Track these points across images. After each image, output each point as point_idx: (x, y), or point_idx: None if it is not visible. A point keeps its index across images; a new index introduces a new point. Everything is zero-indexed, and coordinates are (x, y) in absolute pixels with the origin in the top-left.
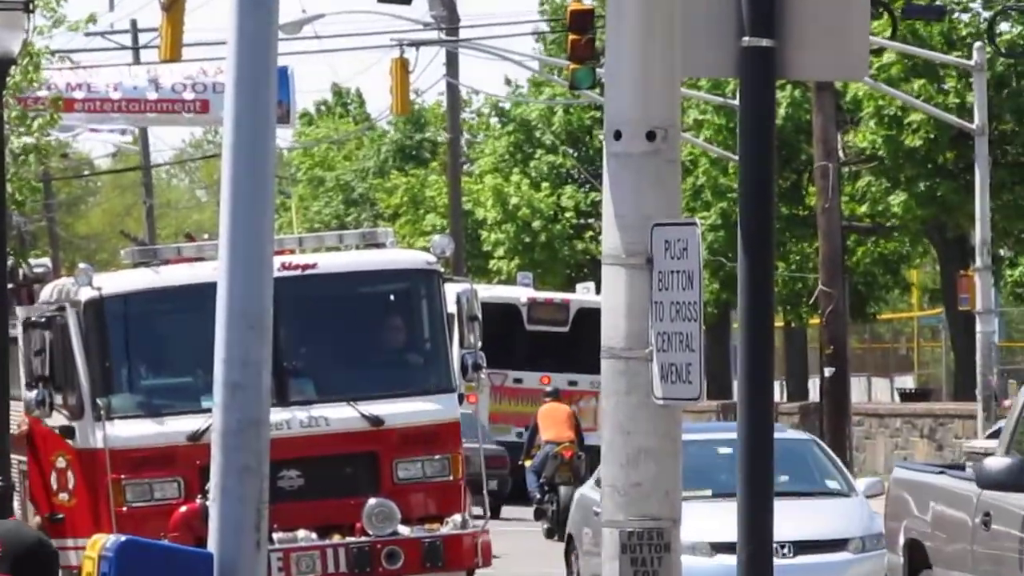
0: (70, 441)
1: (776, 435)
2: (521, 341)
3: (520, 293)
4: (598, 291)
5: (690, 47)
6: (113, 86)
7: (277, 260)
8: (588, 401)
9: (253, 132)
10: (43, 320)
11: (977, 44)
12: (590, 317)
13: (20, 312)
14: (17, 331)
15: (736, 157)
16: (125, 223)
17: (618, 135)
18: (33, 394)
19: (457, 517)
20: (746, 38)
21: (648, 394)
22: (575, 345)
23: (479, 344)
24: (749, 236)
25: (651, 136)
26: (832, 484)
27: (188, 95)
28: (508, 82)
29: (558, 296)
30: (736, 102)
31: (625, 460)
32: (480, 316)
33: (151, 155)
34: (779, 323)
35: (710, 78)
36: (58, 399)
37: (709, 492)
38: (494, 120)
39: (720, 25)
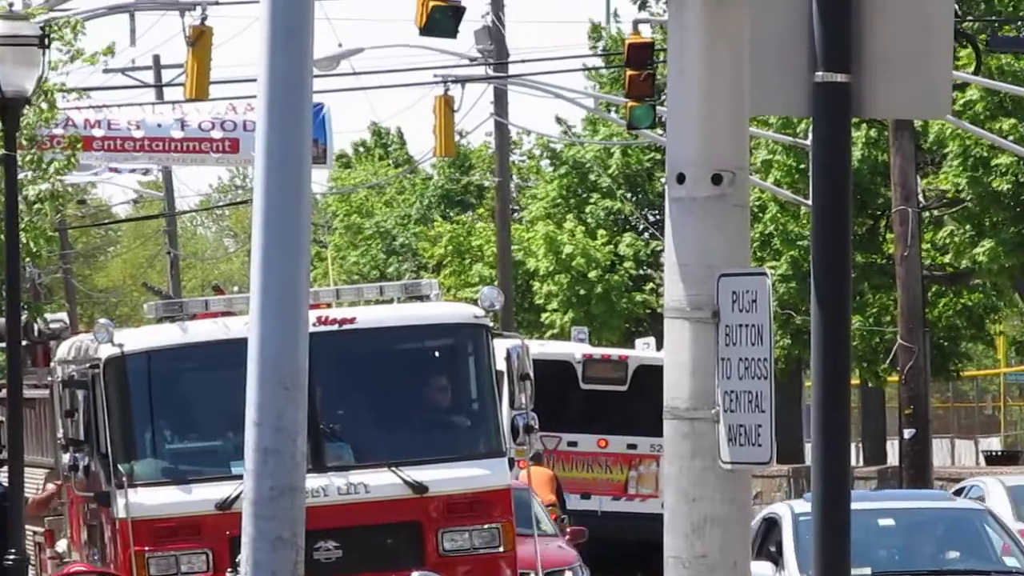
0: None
1: (941, 504)
2: (576, 401)
3: (575, 349)
4: (659, 347)
5: (759, 83)
6: (135, 124)
7: (312, 314)
8: (648, 466)
9: (286, 174)
10: (74, 378)
11: None
12: (650, 375)
13: (57, 368)
14: (34, 391)
15: (808, 202)
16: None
17: (681, 178)
18: (65, 458)
19: None
20: (819, 73)
21: (714, 458)
22: (634, 405)
23: (531, 404)
24: (823, 287)
25: (717, 179)
26: (1012, 563)
27: (216, 134)
28: (560, 121)
29: (616, 352)
30: (807, 142)
31: (690, 529)
32: (532, 374)
33: (175, 201)
34: (855, 381)
35: (780, 116)
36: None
37: (868, 571)
38: (545, 163)
39: (791, 58)
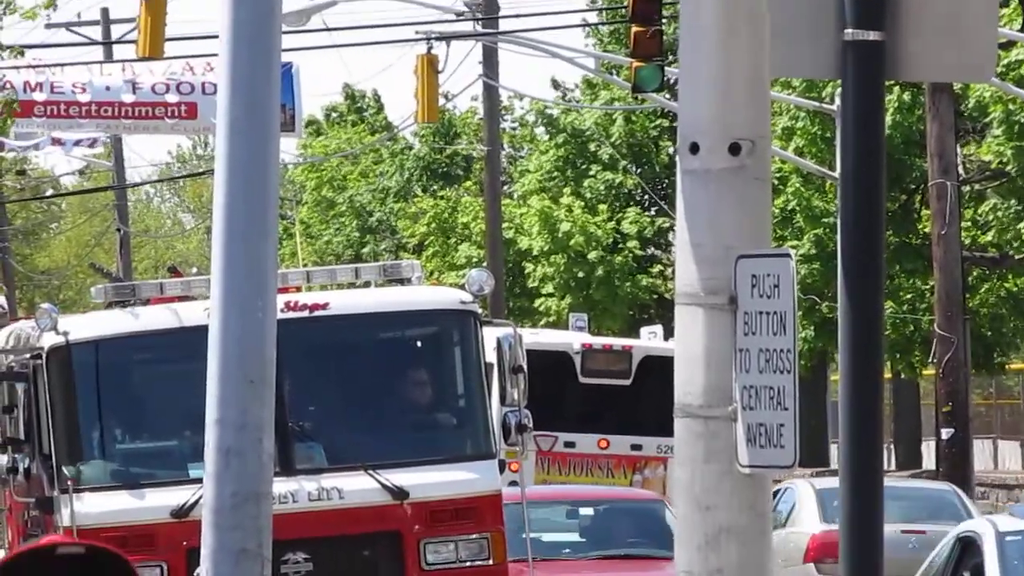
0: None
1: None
2: (574, 397)
3: (573, 339)
4: (667, 336)
5: (782, 41)
6: (81, 87)
7: (280, 299)
8: (655, 469)
9: (252, 143)
10: (13, 370)
11: None
12: (657, 368)
13: None
14: None
15: (834, 174)
16: (95, 255)
17: (695, 148)
18: (3, 460)
19: None
20: (849, 30)
21: (731, 461)
22: (639, 402)
23: (524, 400)
24: (853, 270)
25: (735, 149)
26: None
27: (172, 97)
28: (556, 85)
29: (618, 342)
30: (834, 107)
31: (704, 541)
32: (525, 366)
33: (126, 172)
34: (887, 374)
35: (804, 79)
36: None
37: None
38: (540, 130)
39: (818, 15)
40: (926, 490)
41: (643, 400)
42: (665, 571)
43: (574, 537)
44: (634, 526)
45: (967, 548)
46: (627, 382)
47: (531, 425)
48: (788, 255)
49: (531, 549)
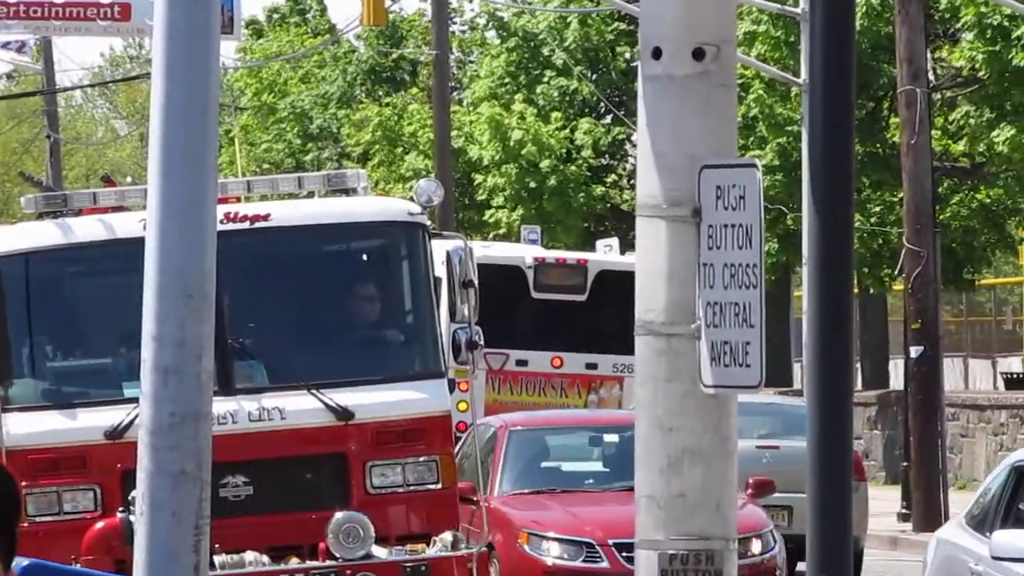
0: None
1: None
2: (526, 313)
3: (525, 252)
4: (623, 250)
5: None
6: None
7: (219, 210)
8: (611, 389)
9: (191, 45)
10: None
11: None
12: (614, 283)
13: None
14: None
15: (800, 80)
16: (23, 163)
17: (657, 53)
18: None
19: (447, 536)
20: None
21: (695, 380)
22: (595, 318)
23: (475, 317)
24: (821, 180)
25: (699, 54)
26: None
27: None
28: None
29: (573, 256)
30: (798, 9)
31: (666, 464)
32: (476, 281)
33: (56, 76)
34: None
35: None
36: None
37: None
38: (491, 34)
39: None
40: (782, 406)
41: (599, 317)
42: None
43: (597, 467)
44: None
45: (1023, 479)
46: (582, 298)
47: (482, 342)
48: (755, 165)
49: (496, 480)
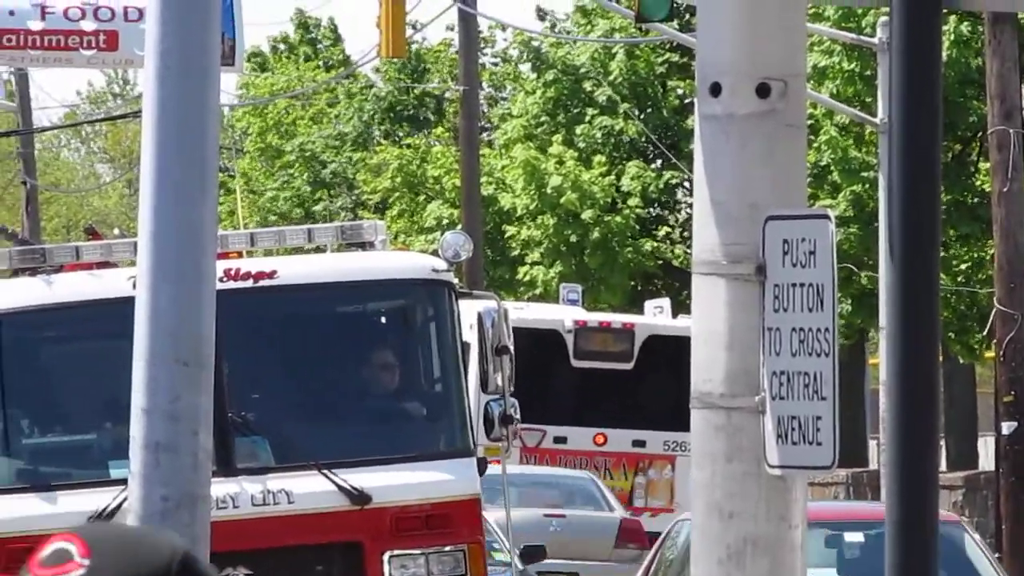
0: None
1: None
2: (566, 383)
3: (564, 315)
4: (675, 312)
5: None
6: None
7: (219, 266)
8: (661, 470)
9: (186, 78)
10: None
11: None
12: (665, 349)
13: None
14: None
15: (877, 120)
16: None
17: (716, 89)
18: None
19: None
20: None
21: (758, 460)
22: (642, 389)
23: (509, 387)
24: (903, 234)
25: (764, 90)
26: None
27: (88, 24)
28: (542, 14)
29: (618, 319)
30: (875, 40)
31: (725, 555)
32: (511, 347)
33: (33, 115)
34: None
35: (841, 6)
36: None
37: None
38: (525, 67)
39: None
40: (566, 478)
41: (647, 388)
42: None
43: (832, 574)
44: None
45: None
46: (628, 366)
47: (518, 416)
48: (827, 216)
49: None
